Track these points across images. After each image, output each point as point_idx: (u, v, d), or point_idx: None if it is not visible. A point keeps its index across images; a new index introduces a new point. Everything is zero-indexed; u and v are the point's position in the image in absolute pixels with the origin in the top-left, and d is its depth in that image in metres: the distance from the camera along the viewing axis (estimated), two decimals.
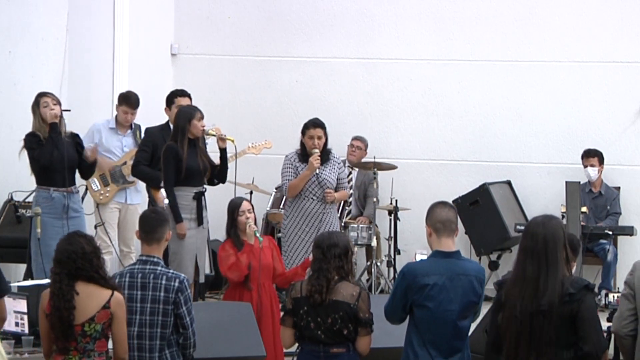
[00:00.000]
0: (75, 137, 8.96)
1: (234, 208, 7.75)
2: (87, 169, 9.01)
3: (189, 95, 9.61)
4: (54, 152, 8.65)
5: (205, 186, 8.78)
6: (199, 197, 8.55)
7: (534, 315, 5.22)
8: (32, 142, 8.70)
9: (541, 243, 5.28)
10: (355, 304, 6.06)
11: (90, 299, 5.75)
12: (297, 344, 6.24)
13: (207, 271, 10.72)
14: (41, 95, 8.79)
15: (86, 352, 5.77)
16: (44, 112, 8.68)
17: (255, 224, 8.11)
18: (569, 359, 5.27)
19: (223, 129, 9.11)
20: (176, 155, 8.43)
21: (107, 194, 9.95)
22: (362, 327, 6.09)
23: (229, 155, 8.94)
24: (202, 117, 8.60)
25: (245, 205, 7.74)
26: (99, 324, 5.76)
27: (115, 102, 10.27)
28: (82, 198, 9.72)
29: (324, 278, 6.09)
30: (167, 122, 9.50)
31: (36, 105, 8.74)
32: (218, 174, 8.79)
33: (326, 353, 6.06)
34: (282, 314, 6.26)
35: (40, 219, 8.59)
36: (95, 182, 9.81)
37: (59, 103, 8.82)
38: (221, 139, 8.72)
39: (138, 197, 10.19)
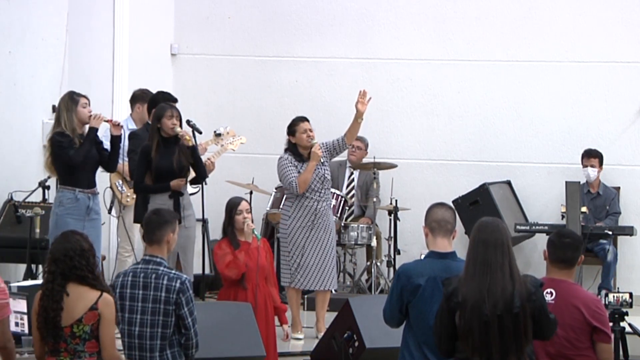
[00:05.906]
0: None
1: (232, 207, 7.73)
2: (112, 161, 8.70)
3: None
4: (89, 154, 8.47)
5: (197, 186, 8.83)
6: (176, 197, 8.43)
7: (503, 315, 5.26)
8: (64, 142, 8.40)
9: (502, 235, 5.43)
10: None
11: (79, 300, 5.75)
12: None
13: (207, 271, 10.77)
14: (79, 95, 8.55)
15: (77, 353, 5.77)
16: (82, 112, 8.47)
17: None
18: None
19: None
20: (147, 155, 8.41)
21: (133, 196, 9.85)
22: None
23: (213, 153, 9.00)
24: (172, 116, 8.42)
25: (243, 205, 7.73)
26: (87, 325, 5.76)
27: (115, 100, 10.29)
28: (112, 201, 9.75)
29: None
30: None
31: (73, 104, 8.49)
32: (195, 172, 8.67)
33: None
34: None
35: (59, 219, 8.38)
36: (120, 184, 9.78)
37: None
38: (183, 138, 8.49)
39: None
